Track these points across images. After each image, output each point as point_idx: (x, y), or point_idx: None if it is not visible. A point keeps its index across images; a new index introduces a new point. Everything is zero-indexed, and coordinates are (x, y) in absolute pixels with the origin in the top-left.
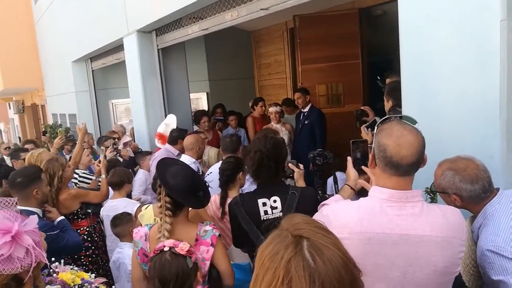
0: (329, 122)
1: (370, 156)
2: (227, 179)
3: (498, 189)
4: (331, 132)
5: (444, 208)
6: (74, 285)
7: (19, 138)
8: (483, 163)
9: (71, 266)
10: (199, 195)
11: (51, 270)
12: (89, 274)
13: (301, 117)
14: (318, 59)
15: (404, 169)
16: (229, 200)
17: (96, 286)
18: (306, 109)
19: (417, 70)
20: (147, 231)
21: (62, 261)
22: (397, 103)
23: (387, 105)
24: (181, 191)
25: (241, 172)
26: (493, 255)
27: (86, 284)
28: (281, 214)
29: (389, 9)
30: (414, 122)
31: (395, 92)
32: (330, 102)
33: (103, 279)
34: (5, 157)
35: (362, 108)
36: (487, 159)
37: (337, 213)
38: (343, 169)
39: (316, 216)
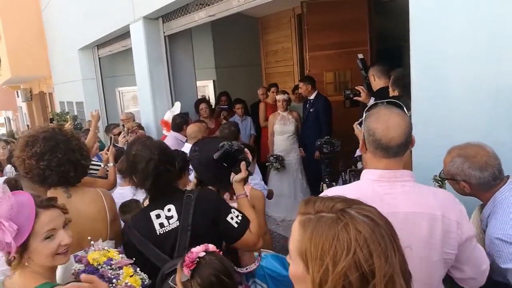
0: (337, 110)
1: (360, 141)
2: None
3: (508, 177)
4: (339, 120)
5: (435, 189)
6: (98, 264)
7: (28, 126)
8: (493, 150)
9: (105, 247)
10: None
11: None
12: (120, 255)
13: (308, 105)
14: (325, 46)
15: (394, 150)
16: None
17: (113, 268)
18: (312, 97)
19: (427, 57)
20: None
21: (101, 239)
22: (403, 93)
23: (393, 94)
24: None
25: None
26: (501, 243)
27: (104, 265)
28: (177, 223)
29: None
30: (401, 106)
31: (401, 81)
32: (337, 89)
33: (129, 261)
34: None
35: (356, 87)
36: (499, 146)
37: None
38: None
39: None
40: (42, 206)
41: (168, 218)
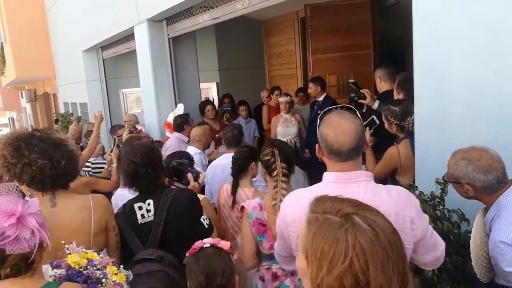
0: None
1: (317, 146)
2: (239, 168)
3: None
4: None
5: (390, 187)
6: (80, 267)
7: (32, 127)
8: (497, 153)
9: (82, 248)
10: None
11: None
12: (99, 255)
13: (315, 106)
14: (329, 49)
15: (346, 154)
16: (240, 190)
17: (98, 268)
18: (321, 98)
19: (430, 58)
20: (260, 202)
21: (75, 242)
22: (408, 96)
23: (398, 97)
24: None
25: (253, 162)
26: (505, 247)
27: (89, 267)
28: (153, 217)
29: None
30: (354, 111)
31: (406, 84)
32: (341, 92)
33: (111, 259)
34: None
35: (361, 90)
36: (501, 150)
37: (293, 198)
38: None
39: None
40: None
41: (148, 211)
